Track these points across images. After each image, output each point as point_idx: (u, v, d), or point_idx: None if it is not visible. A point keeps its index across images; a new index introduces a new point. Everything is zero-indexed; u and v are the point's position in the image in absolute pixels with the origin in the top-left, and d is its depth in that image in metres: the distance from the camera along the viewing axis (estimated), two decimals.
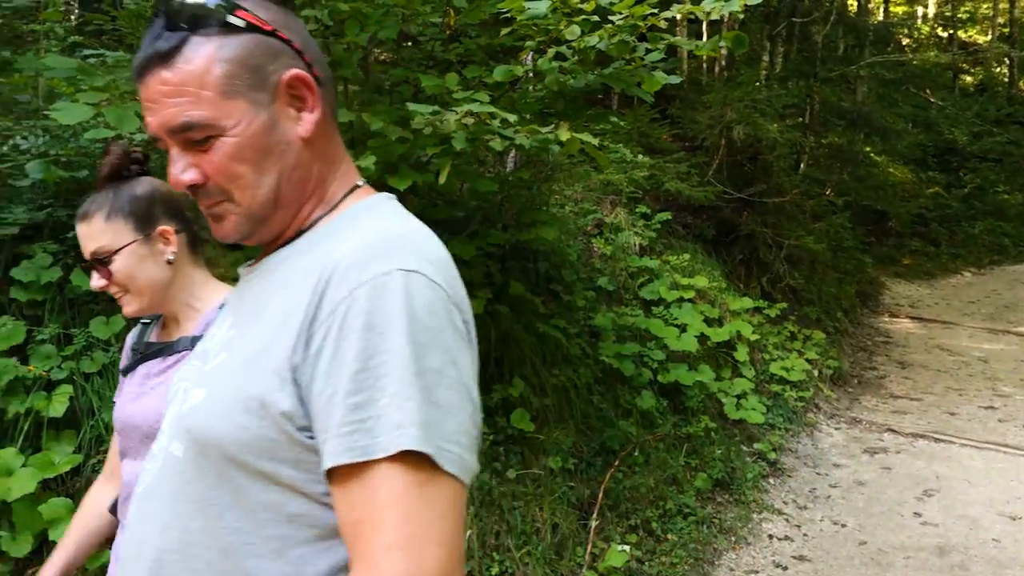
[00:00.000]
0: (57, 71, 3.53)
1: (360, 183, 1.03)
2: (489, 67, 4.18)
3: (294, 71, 0.94)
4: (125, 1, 4.52)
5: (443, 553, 0.76)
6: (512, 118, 3.36)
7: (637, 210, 7.04)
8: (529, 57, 4.55)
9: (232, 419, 0.85)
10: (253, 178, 0.93)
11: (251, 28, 0.92)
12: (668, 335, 5.44)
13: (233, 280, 1.22)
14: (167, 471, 0.93)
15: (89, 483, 3.14)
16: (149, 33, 0.90)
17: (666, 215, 7.03)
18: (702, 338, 5.68)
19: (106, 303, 3.62)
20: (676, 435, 4.99)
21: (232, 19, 0.90)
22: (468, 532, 3.68)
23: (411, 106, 3.35)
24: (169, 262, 1.53)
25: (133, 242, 1.50)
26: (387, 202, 1.01)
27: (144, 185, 1.53)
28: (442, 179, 3.51)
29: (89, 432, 3.18)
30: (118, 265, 1.49)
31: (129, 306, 1.54)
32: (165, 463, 0.94)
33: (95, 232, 1.49)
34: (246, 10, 0.92)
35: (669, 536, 4.20)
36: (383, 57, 5.35)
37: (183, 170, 0.93)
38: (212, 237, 1.01)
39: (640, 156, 6.83)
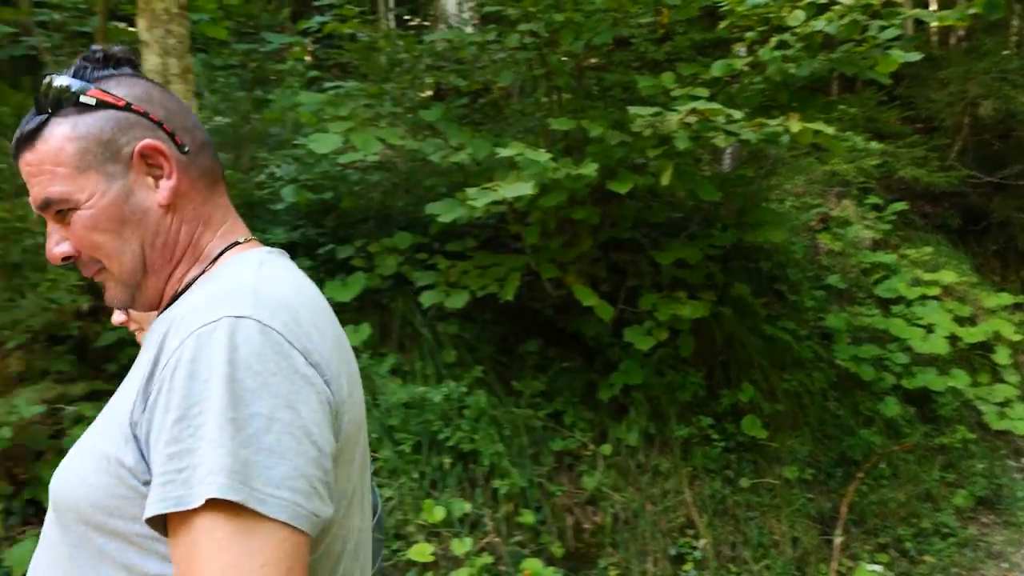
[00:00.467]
0: (307, 105, 3.90)
1: (241, 239, 1.03)
2: (703, 63, 4.05)
3: (146, 141, 0.95)
4: (358, 35, 4.91)
5: None
6: (738, 114, 3.23)
7: (867, 201, 6.51)
8: (743, 49, 4.36)
9: (85, 479, 0.85)
10: (115, 246, 0.95)
11: (103, 105, 0.94)
12: (912, 336, 4.96)
13: None
14: (43, 536, 0.94)
15: None
16: (25, 117, 0.95)
17: (901, 205, 6.44)
18: (952, 339, 5.12)
19: (353, 313, 3.95)
20: (927, 446, 4.53)
21: (85, 98, 0.93)
22: (703, 541, 3.58)
23: (632, 110, 3.33)
24: None
25: None
26: (257, 255, 0.98)
27: None
28: (664, 181, 3.45)
29: None
30: None
31: None
32: (44, 529, 0.95)
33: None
34: (100, 88, 0.95)
35: (926, 558, 3.82)
36: (591, 63, 5.38)
37: (56, 243, 0.96)
38: None
39: (872, 143, 6.32)
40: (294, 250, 4.20)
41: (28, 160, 0.94)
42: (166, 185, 0.96)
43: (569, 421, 3.88)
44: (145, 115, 0.96)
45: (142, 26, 3.67)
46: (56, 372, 3.66)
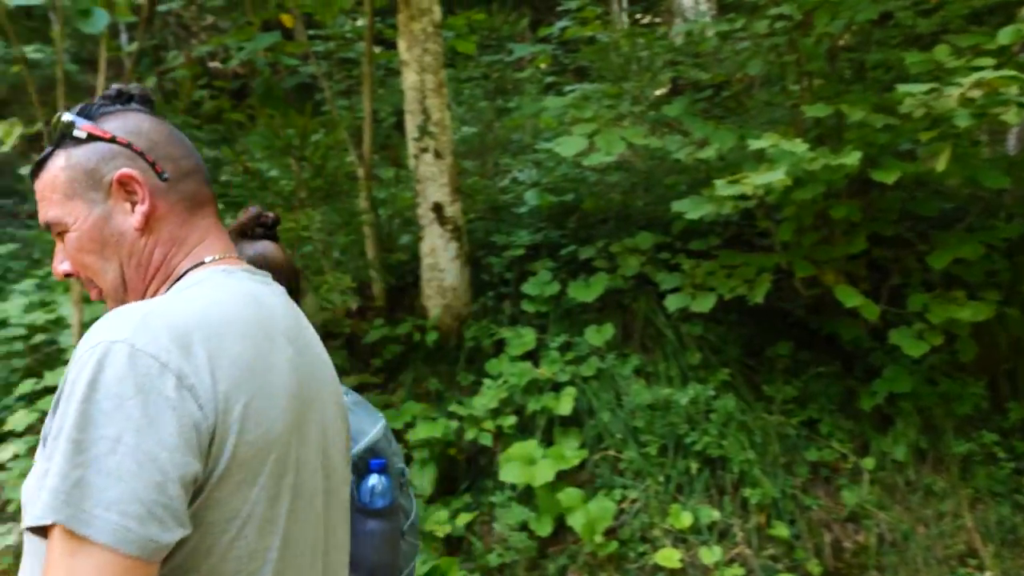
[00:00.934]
0: (551, 110, 3.99)
1: (209, 259, 1.06)
2: (983, 32, 3.57)
3: (122, 170, 1.02)
4: (598, 37, 4.95)
5: None
6: None
7: None
8: None
9: (28, 488, 0.87)
10: (99, 266, 1.04)
11: (92, 138, 1.04)
12: None
13: None
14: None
15: (593, 477, 3.47)
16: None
17: None
18: None
19: (595, 313, 3.98)
20: None
21: (77, 132, 1.03)
22: (989, 574, 3.16)
23: (902, 88, 3.02)
24: None
25: None
26: (204, 274, 1.03)
27: (253, 249, 1.60)
28: (940, 166, 3.09)
29: (591, 430, 3.51)
30: None
31: None
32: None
33: None
34: (92, 123, 1.04)
35: None
36: (845, 44, 4.97)
37: (60, 262, 1.07)
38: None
39: None
40: (538, 252, 4.34)
41: (37, 186, 1.07)
42: (139, 210, 1.03)
43: (825, 430, 3.61)
44: (128, 146, 1.04)
45: (402, 47, 3.97)
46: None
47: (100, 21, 3.12)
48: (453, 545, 3.36)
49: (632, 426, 3.49)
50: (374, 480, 1.50)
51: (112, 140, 1.05)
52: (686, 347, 3.82)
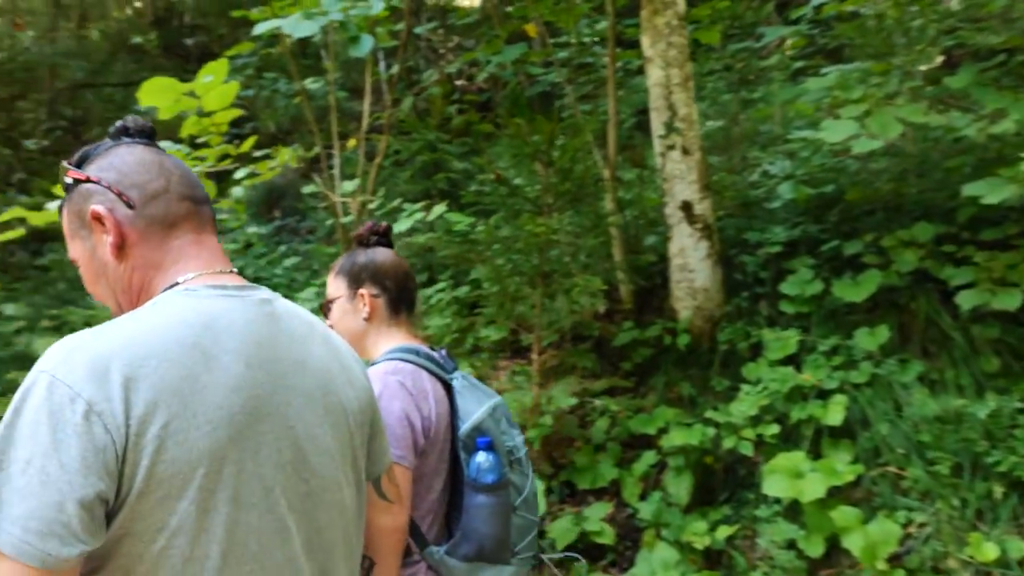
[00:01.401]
0: (811, 93, 3.70)
1: (181, 279, 1.12)
2: None
3: (91, 207, 1.12)
4: (860, 11, 4.52)
5: None
6: None
7: None
8: None
9: None
10: (104, 294, 1.18)
11: (76, 182, 1.16)
12: None
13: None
14: None
15: (870, 495, 3.14)
16: None
17: None
18: None
19: (865, 314, 3.61)
20: None
21: (66, 179, 1.17)
22: None
23: None
24: (365, 319, 1.79)
25: (341, 297, 1.82)
26: (157, 298, 1.09)
27: (365, 255, 1.83)
28: None
29: (865, 443, 3.18)
30: (332, 313, 1.83)
31: None
32: None
33: (329, 283, 1.86)
34: (75, 169, 1.17)
35: None
36: None
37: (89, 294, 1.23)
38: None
39: None
40: (795, 249, 4.04)
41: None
42: (106, 240, 1.13)
43: None
44: (99, 183, 1.14)
45: (645, 43, 3.88)
46: (581, 368, 4.09)
47: (366, 45, 3.36)
48: (712, 558, 3.21)
49: (916, 440, 3.11)
50: (481, 457, 1.63)
51: (87, 180, 1.15)
52: (979, 352, 3.33)
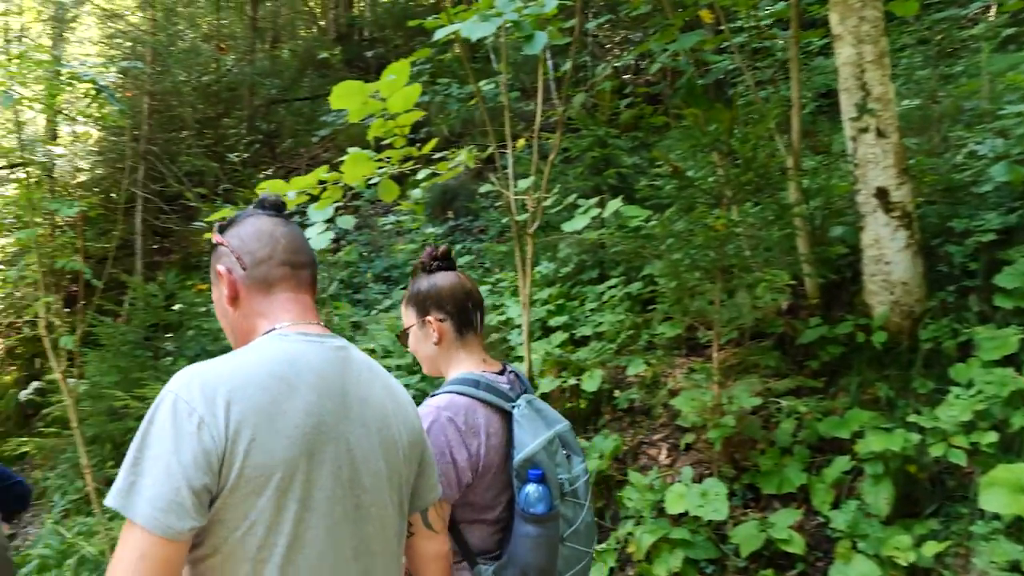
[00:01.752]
0: None
1: (278, 327, 1.42)
2: None
3: (217, 267, 1.49)
4: None
5: None
6: None
7: None
8: None
9: None
10: (225, 329, 1.54)
11: (216, 244, 1.51)
12: None
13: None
14: None
15: None
16: None
17: None
18: None
19: None
20: None
21: (212, 240, 1.53)
22: None
23: None
24: (435, 343, 1.90)
25: (413, 325, 1.94)
26: (256, 340, 1.40)
27: (427, 281, 1.92)
28: None
29: None
30: (409, 340, 1.96)
31: (423, 369, 2.01)
32: None
33: (402, 312, 1.99)
34: (217, 234, 1.51)
35: None
36: None
37: None
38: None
39: None
40: (1011, 237, 3.61)
41: None
42: (223, 291, 1.48)
43: None
44: (227, 247, 1.49)
45: (834, 20, 3.63)
46: (763, 367, 3.89)
47: (540, 42, 3.37)
48: (918, 575, 2.94)
49: None
50: (530, 488, 1.71)
51: (220, 244, 1.50)
52: None
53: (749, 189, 3.57)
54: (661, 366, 4.32)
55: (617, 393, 4.39)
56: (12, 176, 11.08)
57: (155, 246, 9.75)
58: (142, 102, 7.81)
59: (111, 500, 1.18)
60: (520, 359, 5.09)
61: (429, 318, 1.90)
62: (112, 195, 8.53)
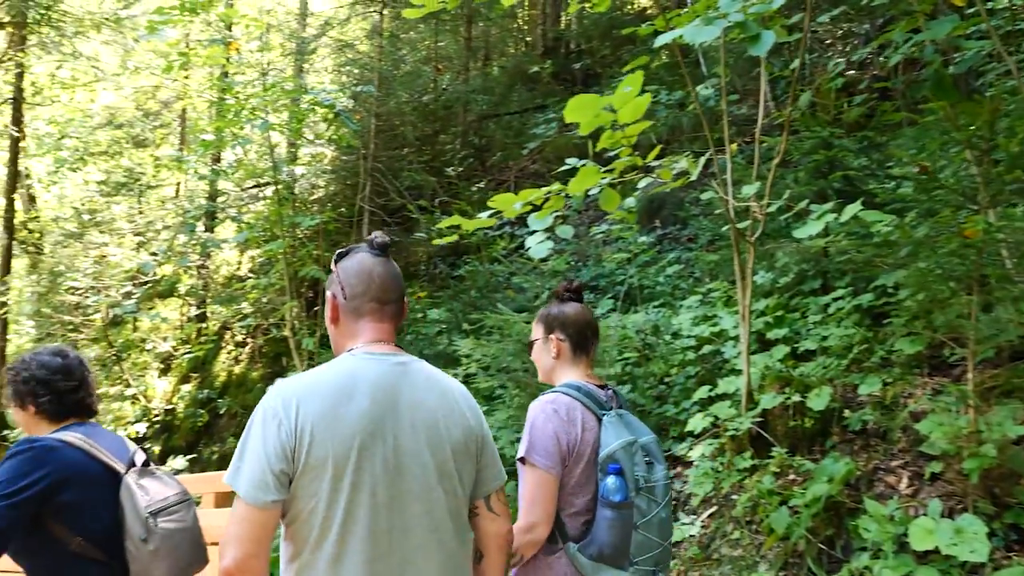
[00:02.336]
0: None
1: (358, 346, 1.81)
2: None
3: (328, 290, 1.92)
4: None
5: (226, 544, 1.58)
6: None
7: None
8: None
9: None
10: (332, 344, 1.96)
11: (331, 271, 1.93)
12: None
13: None
14: None
15: None
16: None
17: None
18: None
19: None
20: None
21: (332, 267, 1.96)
22: None
23: None
24: (554, 357, 2.35)
25: (539, 339, 2.40)
26: (339, 356, 1.82)
27: (558, 307, 2.38)
28: None
29: None
30: (533, 351, 2.42)
31: (539, 377, 2.43)
32: None
33: (533, 327, 2.43)
34: (334, 263, 1.91)
35: None
36: None
37: None
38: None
39: None
40: None
41: None
42: (327, 313, 1.91)
43: None
44: (336, 276, 1.87)
45: None
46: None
47: (767, 42, 3.21)
48: None
49: None
50: (610, 480, 2.09)
51: (333, 271, 1.89)
52: None
53: (1012, 190, 3.16)
54: (900, 386, 3.94)
55: (848, 413, 4.06)
56: (261, 194, 12.44)
57: None
58: (370, 123, 8.45)
59: (226, 479, 1.64)
60: (736, 372, 4.87)
61: (552, 336, 2.35)
62: (342, 210, 9.31)
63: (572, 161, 3.51)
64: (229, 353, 11.75)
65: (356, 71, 9.77)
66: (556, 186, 3.06)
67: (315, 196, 10.32)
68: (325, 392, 1.67)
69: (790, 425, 4.13)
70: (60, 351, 2.39)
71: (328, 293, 1.90)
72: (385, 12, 9.50)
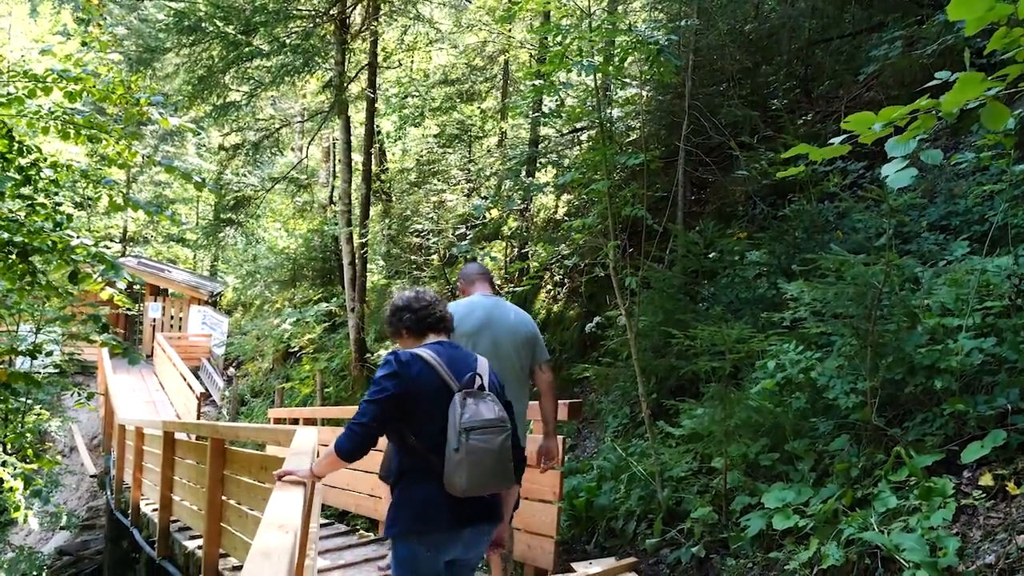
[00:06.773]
0: None
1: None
2: None
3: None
4: None
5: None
6: None
7: None
8: None
9: None
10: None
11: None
12: None
13: None
14: None
15: None
16: None
17: None
18: None
19: None
20: None
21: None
22: None
23: None
24: None
25: None
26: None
27: None
28: None
29: None
30: None
31: None
32: None
33: None
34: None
35: None
36: None
37: None
38: None
39: None
40: None
41: None
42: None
43: None
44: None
45: None
46: None
47: None
48: None
49: None
50: None
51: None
52: None
53: None
54: None
55: None
56: (578, 139, 12.78)
57: (693, 196, 10.27)
58: (688, 59, 8.19)
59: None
60: None
61: None
62: (661, 149, 9.20)
63: (942, 74, 3.04)
64: (548, 292, 12.43)
65: (675, 5, 9.49)
66: (925, 101, 2.65)
67: (629, 139, 10.34)
68: (461, 309, 3.94)
69: None
70: (411, 288, 3.31)
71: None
72: None
